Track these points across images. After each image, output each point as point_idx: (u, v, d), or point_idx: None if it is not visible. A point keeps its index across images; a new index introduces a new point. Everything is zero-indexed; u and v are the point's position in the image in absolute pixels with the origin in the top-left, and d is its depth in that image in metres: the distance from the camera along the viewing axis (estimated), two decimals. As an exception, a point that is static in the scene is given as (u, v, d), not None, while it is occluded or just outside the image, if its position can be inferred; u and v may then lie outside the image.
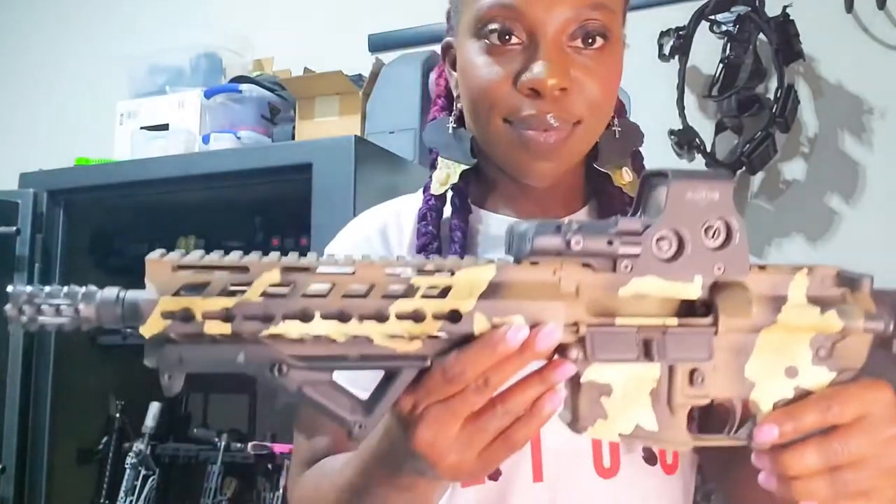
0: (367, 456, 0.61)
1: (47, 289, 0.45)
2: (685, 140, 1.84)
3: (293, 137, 1.90)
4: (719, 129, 1.89)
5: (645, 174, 0.54)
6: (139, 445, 1.99)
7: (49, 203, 1.91)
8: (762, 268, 0.55)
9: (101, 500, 2.03)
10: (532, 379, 0.51)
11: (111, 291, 0.46)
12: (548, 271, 0.51)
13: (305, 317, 0.47)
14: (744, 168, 1.83)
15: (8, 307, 0.45)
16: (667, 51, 1.89)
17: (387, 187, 1.74)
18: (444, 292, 0.49)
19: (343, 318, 0.48)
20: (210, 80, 2.06)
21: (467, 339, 0.49)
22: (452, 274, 0.49)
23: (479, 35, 0.71)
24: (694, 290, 0.53)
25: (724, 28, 1.87)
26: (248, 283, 0.47)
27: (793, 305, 0.54)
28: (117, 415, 2.08)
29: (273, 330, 0.47)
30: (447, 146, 0.79)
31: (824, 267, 0.56)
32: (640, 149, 0.85)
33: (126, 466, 1.99)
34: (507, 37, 0.70)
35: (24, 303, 0.45)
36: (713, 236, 0.52)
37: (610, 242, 0.50)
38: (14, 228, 1.86)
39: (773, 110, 1.78)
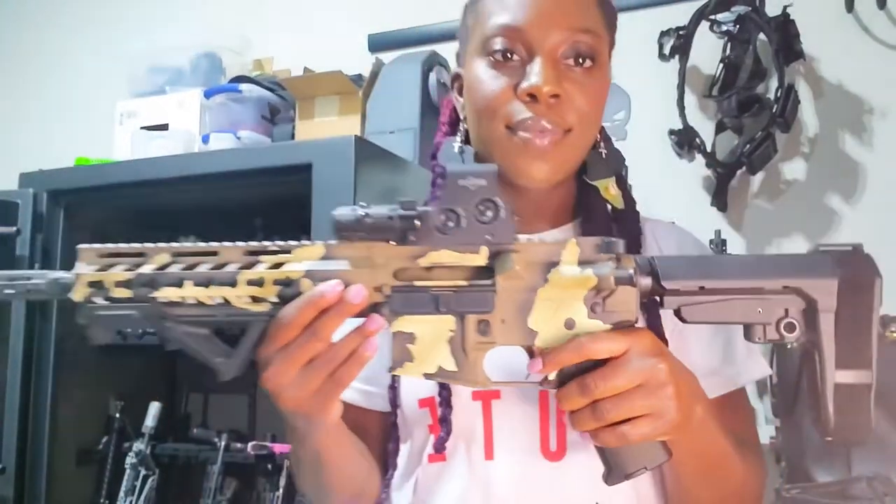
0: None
1: (15, 272, 0.64)
2: (685, 140, 1.84)
3: (293, 137, 1.90)
4: (719, 129, 1.89)
5: (434, 167, 0.70)
6: (139, 445, 1.99)
7: (49, 203, 1.91)
8: (540, 240, 0.67)
9: (101, 501, 2.02)
10: (352, 332, 0.65)
11: (57, 272, 0.64)
12: (363, 248, 0.66)
13: (180, 284, 0.64)
14: (744, 168, 1.83)
15: None
16: (667, 51, 1.89)
17: (387, 188, 1.73)
18: (282, 265, 0.65)
19: (207, 284, 0.64)
20: (210, 80, 2.06)
21: None
22: (292, 251, 0.65)
23: (485, 53, 0.82)
24: (481, 258, 0.66)
25: (724, 28, 1.87)
26: (146, 263, 0.64)
27: (561, 268, 0.66)
28: (117, 415, 2.08)
29: (158, 293, 0.63)
30: (456, 162, 0.90)
31: (592, 238, 0.68)
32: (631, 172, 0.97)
33: (126, 466, 1.99)
34: (509, 54, 0.81)
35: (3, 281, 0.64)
36: (485, 213, 0.65)
37: (390, 217, 0.64)
38: (14, 228, 1.86)
39: (774, 110, 1.78)
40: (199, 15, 2.60)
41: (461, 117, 0.90)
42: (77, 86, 2.76)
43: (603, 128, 0.90)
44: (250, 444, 1.89)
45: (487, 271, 0.66)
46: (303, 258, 0.65)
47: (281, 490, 1.87)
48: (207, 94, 1.96)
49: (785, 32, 1.80)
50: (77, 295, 0.63)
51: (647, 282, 0.67)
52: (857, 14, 1.84)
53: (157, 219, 2.13)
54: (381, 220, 0.64)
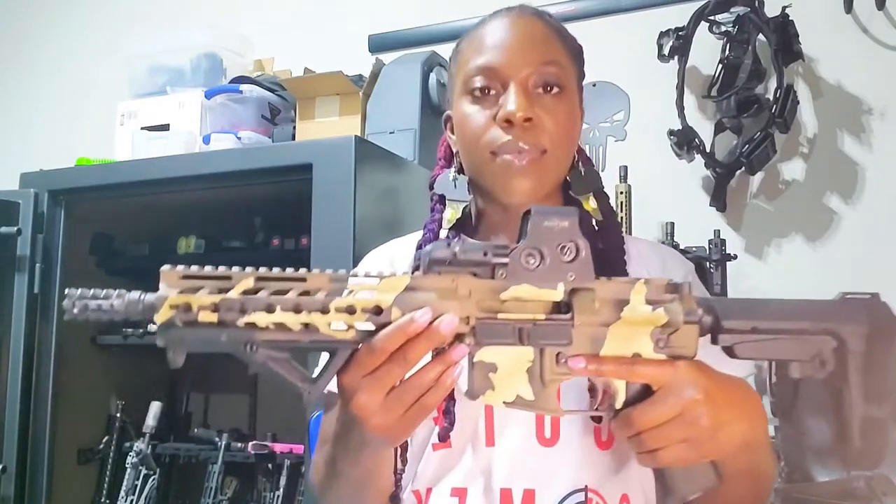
0: (334, 431, 0.80)
1: (91, 291, 0.62)
2: (685, 140, 1.85)
3: (293, 138, 1.91)
4: (718, 129, 1.89)
5: (525, 211, 0.71)
6: (140, 445, 1.99)
7: (50, 203, 1.92)
8: (610, 279, 0.72)
9: (102, 500, 2.03)
10: (436, 360, 0.68)
11: (135, 293, 0.62)
12: (448, 280, 0.68)
13: (270, 309, 0.63)
14: (743, 168, 1.84)
15: (65, 302, 0.61)
16: (666, 51, 1.89)
17: (387, 187, 1.74)
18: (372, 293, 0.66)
19: (297, 310, 0.64)
20: (210, 81, 2.06)
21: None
22: (379, 280, 0.66)
23: (467, 92, 0.94)
24: (558, 294, 0.70)
25: (723, 28, 1.88)
26: (231, 288, 0.63)
27: (633, 306, 0.71)
28: (118, 414, 2.09)
29: (247, 318, 0.63)
30: (451, 191, 1.01)
31: (658, 279, 0.73)
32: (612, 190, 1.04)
33: (127, 466, 2.00)
34: (487, 90, 0.92)
35: (76, 299, 0.61)
36: (566, 253, 0.69)
37: (485, 254, 0.68)
38: (15, 228, 1.86)
39: (773, 110, 1.78)
40: (199, 15, 2.61)
41: (454, 151, 1.01)
42: (78, 86, 2.76)
43: (581, 150, 1.01)
44: (251, 444, 1.90)
45: (565, 306, 0.70)
46: (390, 288, 0.66)
47: (281, 490, 1.88)
48: (208, 95, 1.96)
49: (784, 33, 1.80)
50: (161, 317, 0.61)
51: (708, 320, 0.73)
52: (856, 15, 1.84)
53: (158, 219, 2.13)
54: (476, 258, 0.68)
